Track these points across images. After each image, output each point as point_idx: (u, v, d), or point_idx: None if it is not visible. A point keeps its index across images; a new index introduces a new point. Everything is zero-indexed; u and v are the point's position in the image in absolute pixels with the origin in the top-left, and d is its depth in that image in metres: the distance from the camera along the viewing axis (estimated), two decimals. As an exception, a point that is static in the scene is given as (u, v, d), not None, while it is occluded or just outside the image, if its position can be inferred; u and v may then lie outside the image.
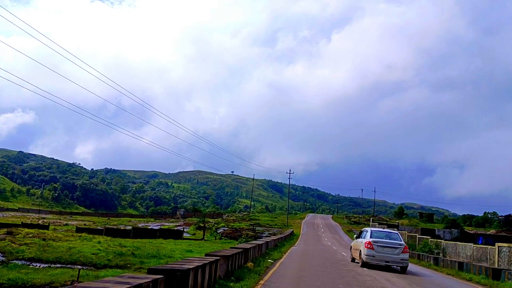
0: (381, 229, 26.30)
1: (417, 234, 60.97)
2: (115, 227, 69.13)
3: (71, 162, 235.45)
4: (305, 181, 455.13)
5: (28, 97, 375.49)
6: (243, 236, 55.02)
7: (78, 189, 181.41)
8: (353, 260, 22.95)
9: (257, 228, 72.06)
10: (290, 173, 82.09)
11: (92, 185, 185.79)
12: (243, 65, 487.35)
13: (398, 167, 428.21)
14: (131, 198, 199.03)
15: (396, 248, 19.82)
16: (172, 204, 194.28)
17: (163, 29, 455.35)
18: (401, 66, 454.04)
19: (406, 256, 19.92)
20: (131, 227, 65.05)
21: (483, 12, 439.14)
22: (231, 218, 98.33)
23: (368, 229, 22.58)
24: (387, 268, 20.23)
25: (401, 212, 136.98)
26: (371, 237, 20.37)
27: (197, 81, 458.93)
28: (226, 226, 72.00)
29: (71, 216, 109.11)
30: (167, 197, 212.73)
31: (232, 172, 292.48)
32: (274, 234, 60.15)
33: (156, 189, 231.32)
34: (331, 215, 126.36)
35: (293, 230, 66.21)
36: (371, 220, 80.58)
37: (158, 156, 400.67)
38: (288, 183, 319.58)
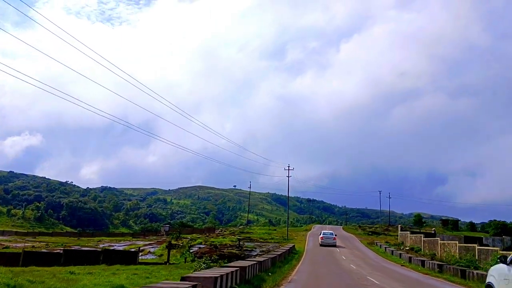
0: (327, 231, 55.08)
1: (476, 245, 39.89)
2: (46, 250, 48.64)
3: (64, 181, 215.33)
4: (313, 193, 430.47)
5: (35, 119, 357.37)
6: (203, 258, 34.03)
7: (64, 208, 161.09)
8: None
9: (246, 243, 51.15)
10: (289, 169, 61.76)
11: (80, 203, 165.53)
12: (252, 79, 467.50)
13: (408, 177, 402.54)
14: (124, 216, 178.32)
15: (331, 238, 50.44)
16: (168, 220, 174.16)
17: (169, 46, 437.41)
18: (414, 74, 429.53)
19: (335, 241, 50.06)
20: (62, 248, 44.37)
21: (499, 17, 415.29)
22: (225, 232, 78.02)
23: (322, 231, 55.83)
24: None
25: (419, 220, 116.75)
26: (323, 234, 51.83)
27: (205, 96, 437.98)
28: (204, 243, 51.11)
29: (35, 237, 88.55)
30: (164, 213, 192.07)
31: (235, 186, 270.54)
32: (268, 251, 40.22)
33: (153, 206, 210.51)
34: (341, 226, 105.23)
35: (294, 245, 45.52)
36: (399, 229, 59.66)
37: (160, 173, 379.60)
38: (294, 196, 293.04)
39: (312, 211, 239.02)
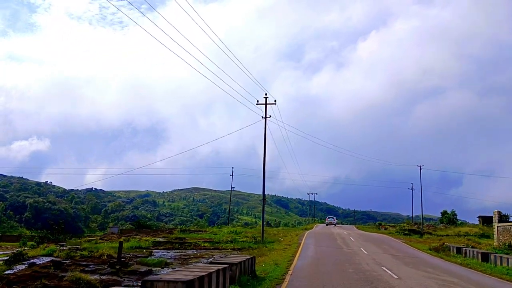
0: (331, 216, 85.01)
1: None
2: None
3: (44, 181, 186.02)
4: (324, 197, 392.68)
5: (42, 123, 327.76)
6: None
7: (28, 209, 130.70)
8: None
9: (159, 254, 19.34)
10: (266, 103, 30.76)
11: (47, 204, 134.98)
12: (266, 78, 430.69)
13: (422, 178, 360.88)
14: (103, 219, 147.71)
15: (333, 220, 75.63)
16: (154, 223, 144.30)
17: (180, 46, 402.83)
18: (437, 72, 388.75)
19: (336, 221, 76.62)
20: None
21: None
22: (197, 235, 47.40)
23: (328, 216, 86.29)
24: None
25: (452, 218, 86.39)
26: (327, 219, 77.96)
27: (217, 95, 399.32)
28: (58, 253, 19.25)
29: None
30: (149, 216, 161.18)
31: (233, 188, 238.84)
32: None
33: (139, 208, 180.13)
34: (353, 225, 74.76)
35: (253, 259, 14.47)
36: (496, 218, 28.43)
37: (160, 177, 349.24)
38: (295, 198, 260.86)
39: (315, 213, 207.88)
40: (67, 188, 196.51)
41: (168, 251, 22.32)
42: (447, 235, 46.78)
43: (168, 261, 19.05)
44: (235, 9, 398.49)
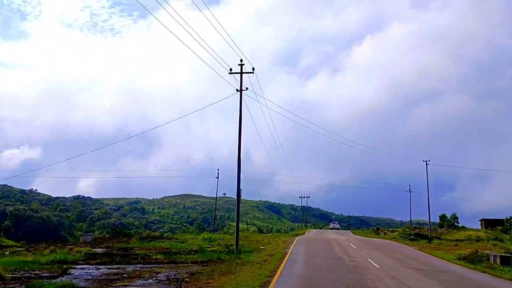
0: (334, 221, 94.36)
1: None
2: None
3: (29, 188, 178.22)
4: (317, 202, 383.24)
5: (35, 132, 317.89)
6: None
7: (8, 218, 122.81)
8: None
9: (75, 272, 11.87)
10: (242, 72, 24.34)
11: (28, 211, 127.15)
12: (263, 83, 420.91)
13: (417, 181, 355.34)
14: (88, 227, 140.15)
15: (336, 225, 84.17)
16: (141, 231, 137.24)
17: (174, 52, 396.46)
18: (434, 76, 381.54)
19: (339, 226, 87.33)
20: None
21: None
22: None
23: (332, 222, 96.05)
24: None
25: (453, 221, 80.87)
26: (331, 224, 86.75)
27: (210, 102, 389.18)
28: None
29: None
30: (136, 223, 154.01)
31: (224, 194, 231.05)
32: None
33: (127, 216, 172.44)
34: (349, 230, 68.76)
35: None
36: None
37: (151, 184, 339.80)
38: (288, 204, 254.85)
39: (307, 218, 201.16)
40: (53, 195, 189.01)
41: (100, 266, 15.78)
42: (457, 240, 40.43)
43: (83, 284, 12.35)
44: (232, 13, 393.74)
